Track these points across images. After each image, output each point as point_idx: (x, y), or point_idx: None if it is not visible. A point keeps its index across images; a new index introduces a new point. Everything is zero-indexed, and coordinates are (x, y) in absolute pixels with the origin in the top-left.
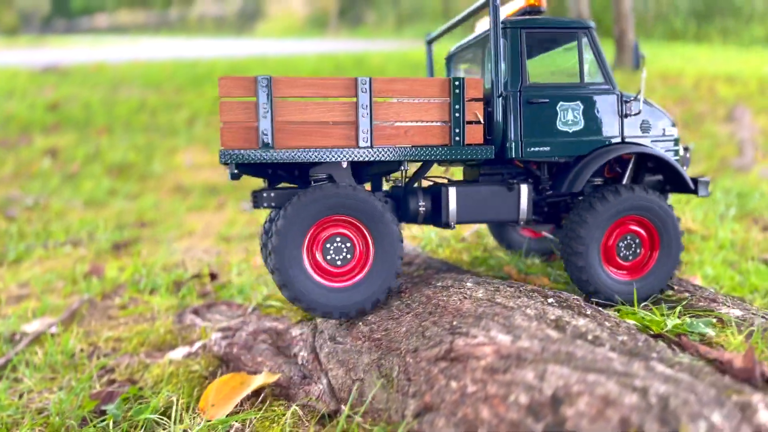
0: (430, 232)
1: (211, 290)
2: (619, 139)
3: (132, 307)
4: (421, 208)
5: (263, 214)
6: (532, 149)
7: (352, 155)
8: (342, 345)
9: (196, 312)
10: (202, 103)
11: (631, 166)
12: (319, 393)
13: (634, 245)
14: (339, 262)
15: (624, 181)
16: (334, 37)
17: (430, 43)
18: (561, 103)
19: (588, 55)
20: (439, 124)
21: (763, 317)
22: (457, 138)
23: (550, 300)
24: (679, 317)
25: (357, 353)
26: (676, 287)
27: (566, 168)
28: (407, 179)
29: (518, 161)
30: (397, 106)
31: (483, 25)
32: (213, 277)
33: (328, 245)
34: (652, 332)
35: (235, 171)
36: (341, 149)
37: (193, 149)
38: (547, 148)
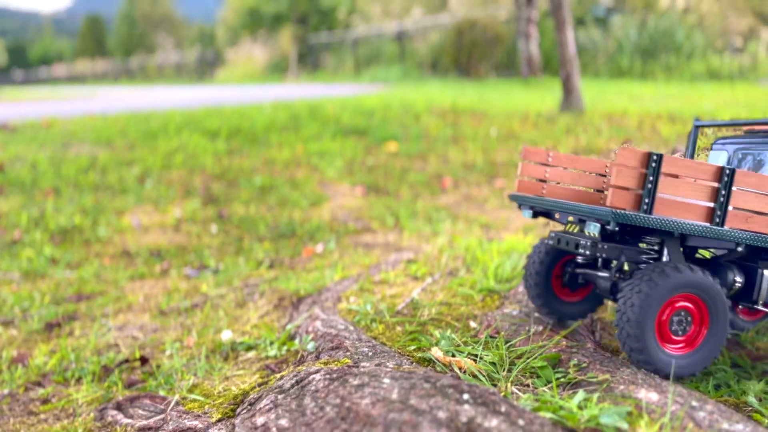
0: (366, 304)
1: (138, 378)
2: None
3: (55, 400)
4: (737, 284)
5: (205, 283)
6: None
7: (708, 231)
8: None
9: (118, 407)
10: (154, 158)
11: None
12: None
13: None
14: (680, 333)
15: None
16: (293, 82)
17: (697, 128)
18: None
19: None
20: None
21: (677, 401)
22: None
23: (465, 396)
24: (598, 402)
25: None
26: (599, 365)
27: None
28: (715, 254)
29: None
30: (745, 195)
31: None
32: (143, 361)
33: (673, 318)
34: (568, 426)
35: (616, 229)
36: (697, 224)
37: (143, 209)
38: None
